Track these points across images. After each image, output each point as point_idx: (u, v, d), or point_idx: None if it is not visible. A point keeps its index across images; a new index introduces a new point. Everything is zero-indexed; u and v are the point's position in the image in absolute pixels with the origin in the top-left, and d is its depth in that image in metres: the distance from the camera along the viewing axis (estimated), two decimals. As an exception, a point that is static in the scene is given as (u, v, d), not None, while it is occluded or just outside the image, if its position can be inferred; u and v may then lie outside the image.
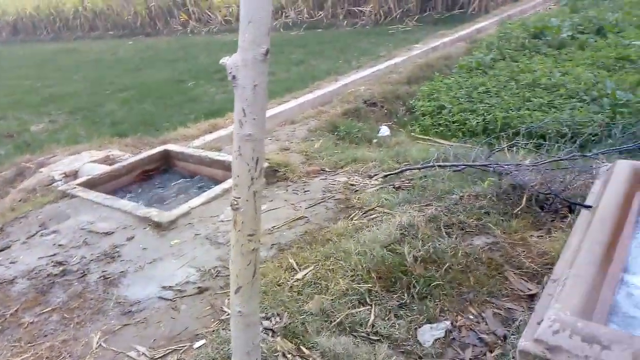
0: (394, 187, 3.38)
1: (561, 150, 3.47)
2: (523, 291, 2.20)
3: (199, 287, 2.51)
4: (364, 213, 3.06)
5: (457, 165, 3.41)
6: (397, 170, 3.58)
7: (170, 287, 2.55)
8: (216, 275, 2.59)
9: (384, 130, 5.42)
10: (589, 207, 2.41)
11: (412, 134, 5.25)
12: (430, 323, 2.06)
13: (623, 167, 2.60)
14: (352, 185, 3.58)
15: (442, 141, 4.90)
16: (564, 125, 4.14)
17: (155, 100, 7.49)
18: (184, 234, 3.06)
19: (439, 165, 3.43)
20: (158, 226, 3.14)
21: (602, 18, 7.54)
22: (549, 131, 4.15)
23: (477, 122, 4.83)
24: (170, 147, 4.53)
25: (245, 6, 1.26)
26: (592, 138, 3.86)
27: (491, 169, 3.21)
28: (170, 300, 2.45)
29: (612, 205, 2.30)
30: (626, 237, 2.22)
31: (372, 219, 2.95)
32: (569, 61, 6.05)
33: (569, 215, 2.63)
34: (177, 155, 4.39)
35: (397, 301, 2.21)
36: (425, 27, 11.28)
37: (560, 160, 3.13)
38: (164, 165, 4.45)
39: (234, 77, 1.29)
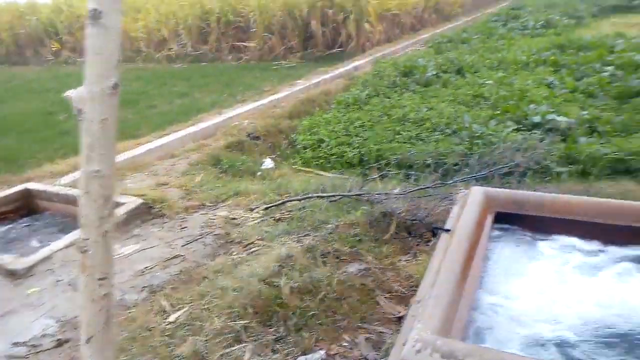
0: (274, 219, 3.40)
1: (426, 179, 3.76)
2: (393, 314, 2.31)
3: (57, 340, 2.28)
4: (244, 247, 3.02)
5: (333, 196, 3.54)
6: (277, 202, 3.61)
7: (23, 342, 2.28)
8: (78, 326, 2.37)
9: (268, 163, 5.46)
10: (448, 230, 2.62)
11: (295, 166, 5.35)
12: (305, 354, 2.07)
13: (476, 193, 2.86)
14: (233, 219, 3.53)
15: (322, 173, 5.06)
16: (429, 155, 4.49)
17: (20, 134, 6.85)
18: (44, 281, 2.78)
19: (317, 196, 3.53)
20: (12, 274, 2.82)
21: (461, 59, 8.41)
22: (417, 161, 4.47)
23: (354, 154, 5.06)
24: (33, 185, 4.13)
25: (92, 38, 1.21)
26: (454, 167, 4.23)
27: (364, 198, 3.38)
28: (23, 357, 2.19)
29: (467, 228, 2.51)
30: (480, 257, 2.43)
31: (252, 252, 2.93)
32: (434, 97, 6.62)
33: (433, 239, 2.83)
34: (40, 194, 4.02)
35: (274, 335, 2.19)
36: (308, 64, 11.71)
37: (425, 188, 3.38)
38: (25, 206, 4.04)
39: (79, 110, 1.23)
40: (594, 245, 2.64)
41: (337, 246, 2.81)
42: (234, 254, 2.93)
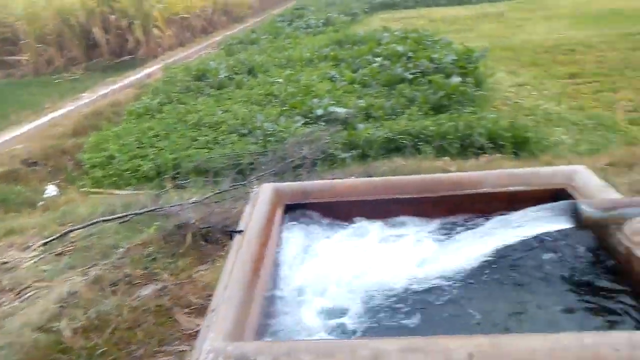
0: (55, 255, 3.02)
1: (224, 183, 3.73)
2: (192, 329, 2.23)
3: None
4: (17, 294, 2.62)
5: (125, 216, 3.29)
6: (57, 235, 3.22)
7: None
8: None
9: (51, 190, 4.86)
10: (240, 231, 2.62)
11: (84, 189, 4.85)
12: (95, 398, 1.87)
13: (266, 189, 2.92)
14: (4, 263, 3.04)
15: (116, 192, 4.68)
16: (226, 158, 4.48)
17: None
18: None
19: (104, 220, 3.24)
20: None
21: (252, 60, 8.60)
22: (214, 166, 4.43)
23: (149, 167, 4.79)
24: None
25: None
26: (250, 167, 4.29)
27: (160, 212, 3.21)
28: None
29: (258, 225, 2.55)
30: (272, 252, 2.49)
31: (27, 298, 2.55)
32: (228, 100, 6.64)
33: (230, 243, 2.82)
34: None
35: (57, 386, 1.93)
36: (94, 75, 10.79)
37: (221, 192, 3.36)
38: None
39: None
40: (379, 221, 2.93)
41: (128, 270, 2.62)
42: (5, 304, 2.52)
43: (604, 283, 2.28)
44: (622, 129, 5.24)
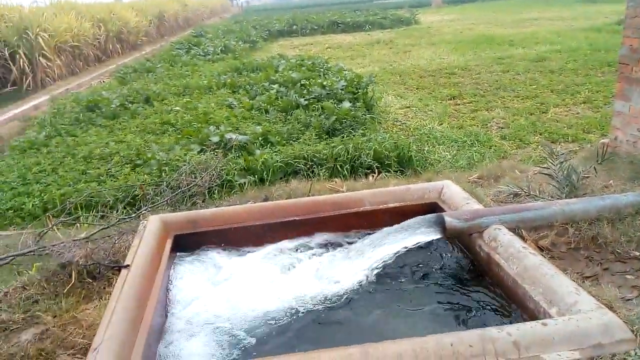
0: None
1: (114, 216, 3.63)
2: (76, 371, 2.16)
3: None
4: None
5: (2, 259, 3.09)
6: None
7: None
8: None
9: None
10: (127, 266, 2.59)
11: (-42, 233, 4.45)
12: None
13: (153, 221, 2.92)
14: None
15: (-2, 233, 4.36)
16: (118, 191, 4.36)
17: None
18: None
19: (-22, 265, 3.02)
20: None
21: (147, 89, 8.43)
22: (106, 199, 4.29)
23: (35, 204, 4.52)
24: None
25: None
26: (145, 198, 4.20)
27: (40, 253, 3.06)
28: None
29: (145, 259, 2.54)
30: (160, 285, 2.49)
31: None
32: (122, 130, 6.45)
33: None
34: None
35: None
36: (-28, 108, 9.94)
37: (108, 227, 3.27)
38: None
39: None
40: (267, 245, 3.01)
41: (5, 317, 2.46)
42: None
43: (469, 284, 2.55)
44: (495, 144, 5.83)
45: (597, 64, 9.22)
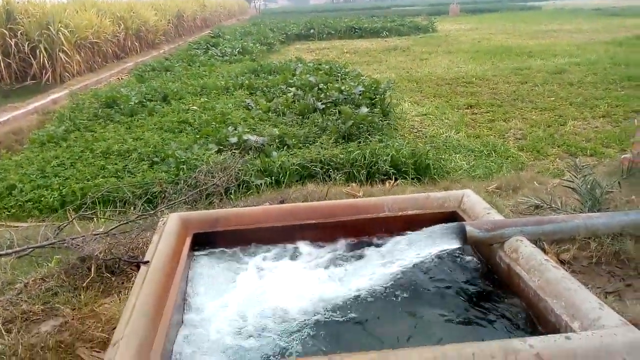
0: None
1: (133, 212, 3.66)
2: (96, 364, 2.17)
3: None
4: None
5: (23, 250, 3.12)
6: (-55, 272, 2.99)
7: None
8: None
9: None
10: (146, 262, 2.61)
11: (-23, 223, 4.51)
12: None
13: (173, 219, 2.93)
14: None
15: (16, 224, 4.41)
16: (136, 187, 4.39)
17: None
18: None
19: (0, 255, 3.06)
20: None
21: (166, 87, 8.50)
22: (124, 196, 4.32)
23: (54, 197, 4.58)
24: None
25: None
26: (162, 195, 4.23)
27: (60, 245, 3.09)
28: None
29: (164, 255, 2.55)
30: (179, 283, 2.49)
31: None
32: (140, 127, 6.51)
33: (136, 274, 2.78)
34: None
35: None
36: (-5, 101, 10.10)
37: (128, 222, 3.30)
38: None
39: None
40: (286, 246, 3.02)
41: (25, 307, 2.49)
42: None
43: (489, 295, 2.53)
44: (512, 155, 5.79)
45: (617, 77, 9.13)
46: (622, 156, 4.32)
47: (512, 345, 1.79)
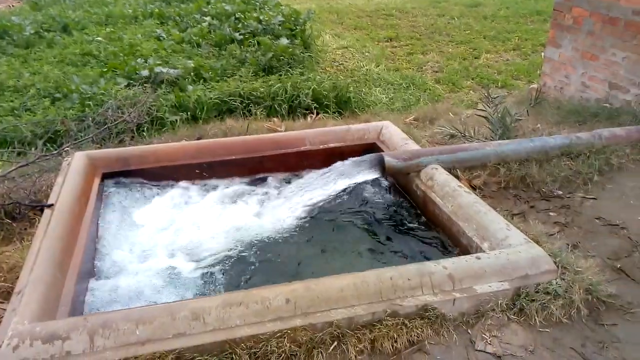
0: None
1: (33, 153, 3.35)
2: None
3: None
4: None
5: None
6: None
7: None
8: None
9: None
10: (50, 205, 2.41)
11: None
12: None
13: (79, 158, 2.71)
14: None
15: None
16: (38, 126, 4.01)
17: None
18: None
19: None
20: None
21: (66, 16, 7.68)
22: (25, 135, 3.94)
23: (-62, 141, 4.08)
24: None
25: None
26: (68, 134, 3.90)
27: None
28: None
29: (70, 197, 2.37)
30: (89, 224, 2.34)
31: None
32: (38, 60, 5.89)
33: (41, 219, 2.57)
34: None
35: None
36: None
37: (27, 165, 3.01)
38: None
39: None
40: (207, 183, 2.91)
41: None
42: None
43: (406, 222, 2.62)
44: (430, 88, 5.91)
45: (527, 12, 9.46)
46: (530, 86, 4.54)
47: (427, 268, 1.87)
